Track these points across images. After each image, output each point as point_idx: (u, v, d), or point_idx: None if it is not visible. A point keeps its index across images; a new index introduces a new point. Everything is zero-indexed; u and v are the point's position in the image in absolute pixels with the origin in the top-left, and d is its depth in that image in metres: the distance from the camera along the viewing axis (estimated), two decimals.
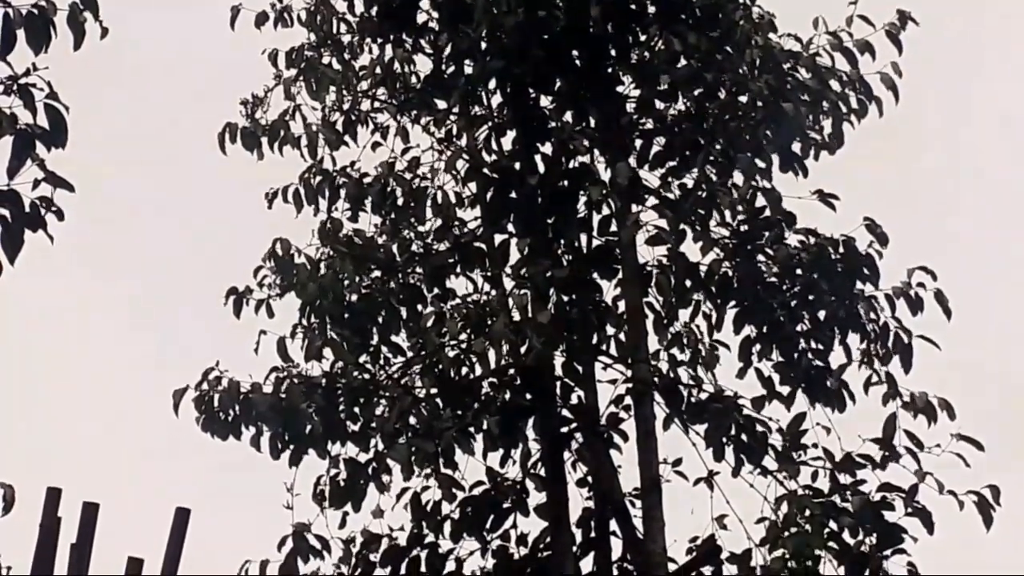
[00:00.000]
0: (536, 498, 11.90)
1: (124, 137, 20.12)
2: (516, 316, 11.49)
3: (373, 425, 11.65)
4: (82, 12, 8.25)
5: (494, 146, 12.26)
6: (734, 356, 11.86)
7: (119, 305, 20.98)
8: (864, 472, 11.26)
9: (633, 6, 12.09)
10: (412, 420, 11.56)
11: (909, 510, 10.95)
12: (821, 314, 11.61)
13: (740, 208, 11.69)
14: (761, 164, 11.70)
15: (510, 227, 12.06)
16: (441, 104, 12.40)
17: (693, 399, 11.77)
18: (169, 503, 8.25)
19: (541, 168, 12.01)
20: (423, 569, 11.83)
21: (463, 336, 11.62)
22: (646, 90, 12.09)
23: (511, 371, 11.75)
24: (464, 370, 11.72)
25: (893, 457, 11.21)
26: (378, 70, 12.62)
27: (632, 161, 11.92)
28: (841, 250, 11.55)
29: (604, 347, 12.00)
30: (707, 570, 11.57)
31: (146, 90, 21.02)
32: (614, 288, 12.00)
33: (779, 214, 11.55)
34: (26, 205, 8.09)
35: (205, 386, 11.58)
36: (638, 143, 12.10)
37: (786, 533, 11.03)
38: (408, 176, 12.42)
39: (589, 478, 11.93)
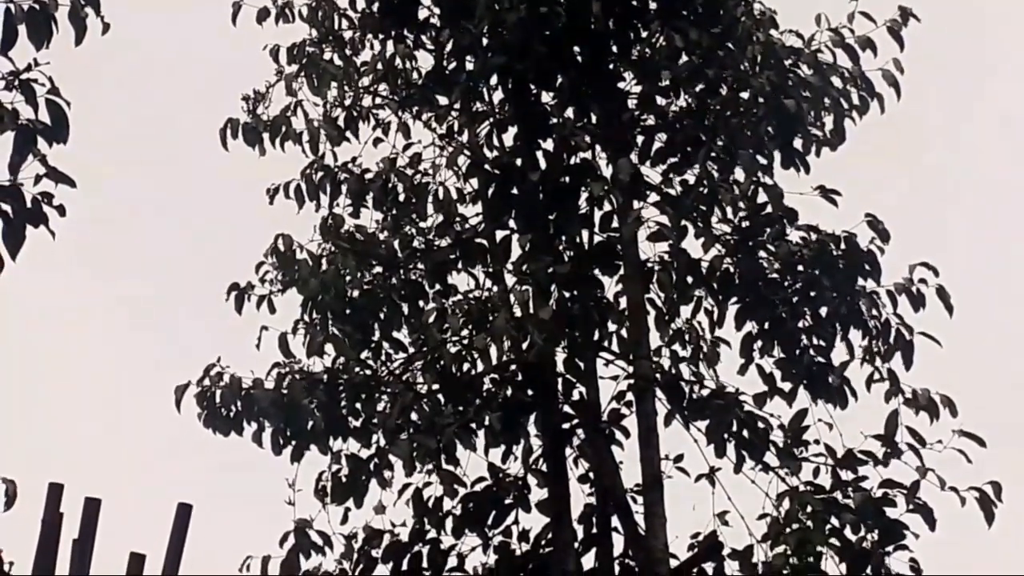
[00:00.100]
0: (538, 494, 11.92)
1: (124, 136, 20.15)
2: (518, 312, 11.50)
3: (375, 421, 11.65)
4: (83, 8, 8.24)
5: (495, 142, 12.27)
6: (735, 352, 11.87)
7: (121, 302, 21.00)
8: (866, 468, 11.26)
9: (634, 2, 12.09)
10: (414, 416, 11.56)
11: (911, 506, 10.95)
12: (823, 310, 11.61)
13: (741, 204, 11.69)
14: (762, 160, 11.70)
15: (511, 223, 12.06)
16: (442, 100, 12.40)
17: (695, 395, 11.76)
18: (171, 499, 8.27)
19: (542, 164, 12.02)
20: (425, 565, 11.85)
21: (465, 332, 11.62)
22: (647, 86, 12.09)
23: (513, 367, 11.76)
24: (466, 366, 11.71)
25: (895, 453, 11.20)
26: (379, 66, 12.63)
27: (633, 157, 11.92)
28: (843, 246, 11.55)
29: (606, 343, 12.00)
30: (709, 566, 11.58)
31: (146, 89, 21.04)
32: (615, 284, 12.01)
33: (780, 210, 11.55)
34: (28, 201, 8.08)
35: (207, 382, 11.58)
36: (639, 139, 12.10)
37: (788, 529, 11.03)
38: (410, 172, 12.43)
39: (591, 474, 11.94)
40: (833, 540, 10.99)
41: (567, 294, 11.73)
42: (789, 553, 10.95)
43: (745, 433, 11.51)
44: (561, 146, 11.95)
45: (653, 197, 11.91)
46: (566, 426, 11.88)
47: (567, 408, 11.91)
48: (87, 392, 20.48)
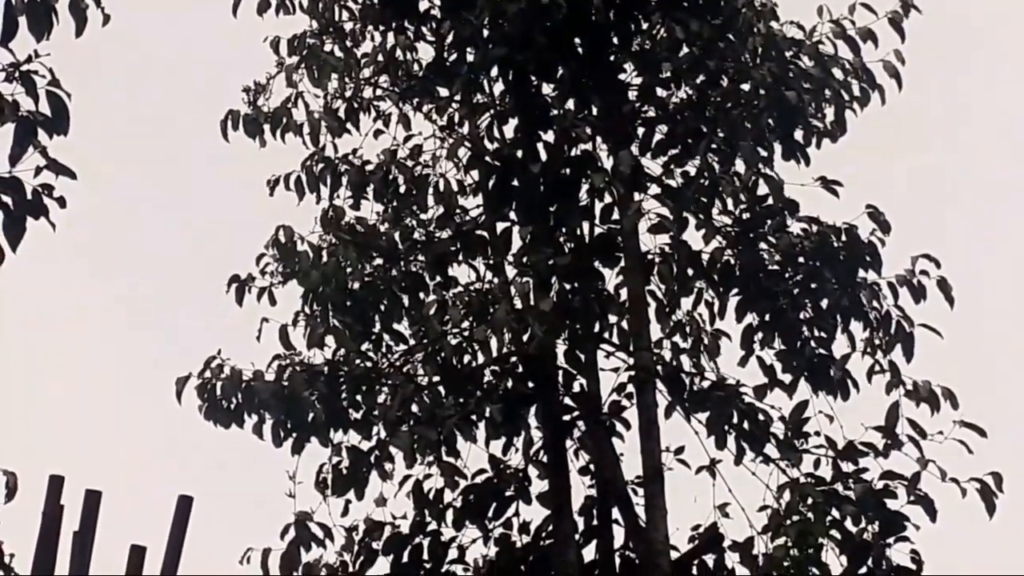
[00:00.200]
0: (538, 486, 11.92)
1: (123, 130, 20.14)
2: (518, 304, 11.49)
3: (375, 413, 11.65)
4: None
5: (496, 134, 12.26)
6: (736, 344, 11.88)
7: (120, 296, 21.00)
8: (866, 460, 11.28)
9: None
10: (414, 408, 11.56)
11: (911, 498, 10.96)
12: (823, 302, 11.61)
13: (742, 196, 11.69)
14: (763, 152, 11.69)
15: (512, 215, 12.06)
16: (443, 92, 12.39)
17: (695, 387, 11.77)
18: (172, 491, 8.26)
19: (543, 156, 12.01)
20: (425, 557, 11.85)
21: (465, 324, 11.61)
22: (648, 78, 12.07)
23: (513, 359, 11.76)
24: (466, 358, 11.71)
25: (895, 445, 11.21)
26: (380, 57, 12.61)
27: (634, 149, 11.91)
28: (843, 238, 11.56)
29: (606, 335, 12.00)
30: (709, 558, 11.59)
31: (146, 83, 21.01)
32: (616, 276, 12.01)
33: (781, 202, 11.54)
34: (28, 192, 8.07)
35: (208, 374, 11.59)
36: (640, 131, 12.09)
37: (788, 521, 11.03)
38: (410, 164, 12.42)
39: (591, 466, 11.94)
40: (834, 532, 11.00)
41: (568, 286, 11.73)
42: (790, 545, 10.95)
43: (746, 425, 11.52)
44: (562, 138, 11.94)
45: (654, 189, 11.91)
46: (567, 418, 11.88)
47: (568, 400, 11.91)
48: (88, 385, 20.49)
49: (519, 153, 12.03)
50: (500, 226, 12.11)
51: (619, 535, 11.77)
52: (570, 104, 12.04)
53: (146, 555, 8.02)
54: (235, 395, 11.58)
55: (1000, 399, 17.18)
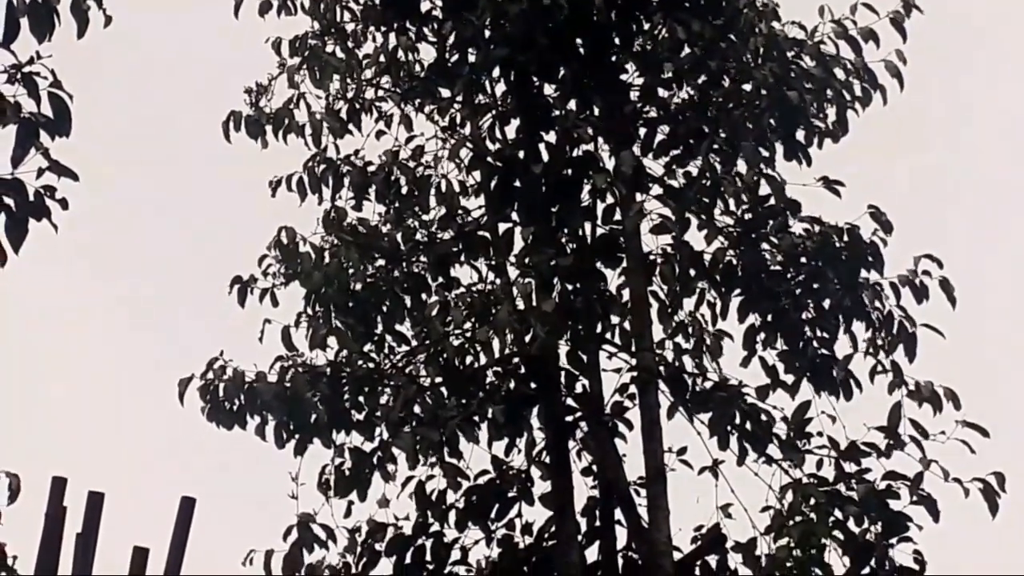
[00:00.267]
0: (541, 487, 11.92)
1: (125, 134, 20.13)
2: (520, 305, 11.49)
3: (378, 414, 11.64)
4: (85, 0, 8.23)
5: (498, 134, 12.26)
6: (738, 344, 11.87)
7: (122, 298, 21.00)
8: (869, 461, 11.27)
9: None
10: (417, 409, 11.56)
11: (914, 498, 10.95)
12: (826, 302, 11.61)
13: (744, 196, 11.69)
14: (765, 152, 11.69)
15: (514, 216, 12.07)
16: (445, 92, 12.39)
17: (698, 388, 11.77)
18: (174, 493, 8.26)
19: (545, 156, 12.01)
20: (428, 558, 11.84)
21: (467, 325, 11.61)
22: (650, 78, 12.07)
23: (516, 360, 11.76)
24: (469, 359, 11.71)
25: (898, 445, 11.20)
26: (382, 58, 12.61)
27: (636, 149, 11.91)
28: (846, 238, 11.55)
29: (608, 336, 12.00)
30: (712, 559, 11.58)
31: (148, 84, 21.02)
32: (618, 277, 12.00)
33: (783, 202, 11.55)
34: (30, 194, 8.07)
35: (210, 375, 11.58)
36: (642, 131, 12.09)
37: (791, 522, 11.03)
38: (412, 164, 12.42)
39: (594, 467, 11.93)
40: (837, 532, 10.99)
41: (570, 287, 11.72)
42: (792, 546, 10.95)
43: (748, 425, 11.52)
44: (564, 138, 11.94)
45: (656, 189, 11.91)
46: (569, 419, 11.88)
47: (570, 401, 11.91)
48: (90, 386, 20.49)
49: (521, 154, 12.03)
50: (502, 227, 12.12)
51: (622, 536, 11.77)
52: (572, 105, 12.04)
53: (149, 556, 8.01)
54: (237, 396, 11.57)
55: (1002, 399, 17.19)
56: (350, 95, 12.73)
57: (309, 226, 12.31)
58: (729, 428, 11.52)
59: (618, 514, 11.73)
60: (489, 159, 12.10)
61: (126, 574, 7.98)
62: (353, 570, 11.86)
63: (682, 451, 11.75)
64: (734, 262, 11.74)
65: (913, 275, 11.42)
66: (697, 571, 11.58)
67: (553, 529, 11.75)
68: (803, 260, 11.62)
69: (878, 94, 12.00)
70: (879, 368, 11.50)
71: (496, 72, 12.14)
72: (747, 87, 11.83)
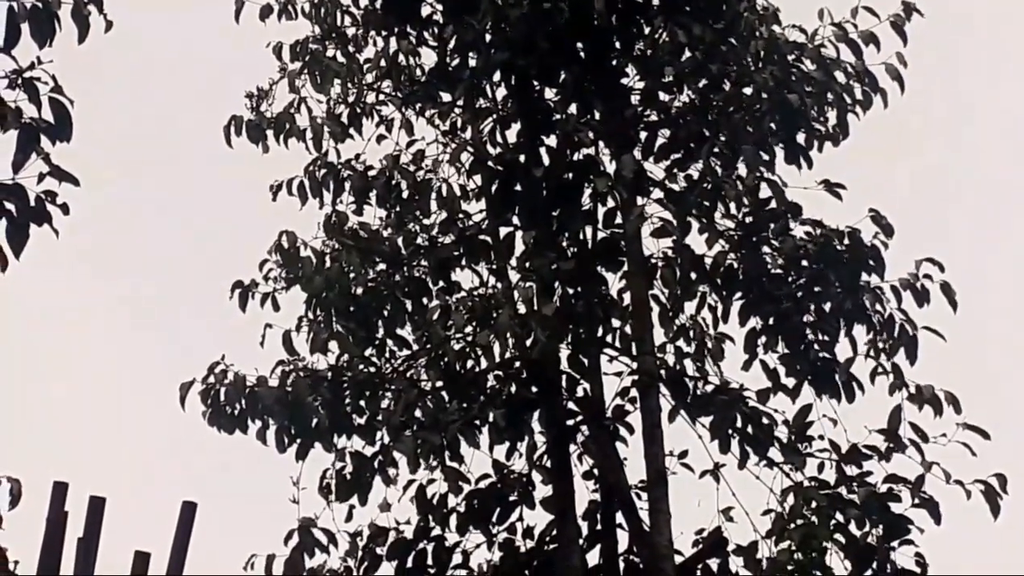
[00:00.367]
0: (542, 491, 11.92)
1: (126, 138, 20.15)
2: (521, 309, 11.49)
3: (379, 418, 11.64)
4: (86, 6, 8.24)
5: (499, 138, 12.27)
6: (740, 348, 11.87)
7: (123, 301, 21.01)
8: (870, 464, 11.26)
9: None
10: (418, 413, 11.56)
11: (916, 501, 10.95)
12: (827, 306, 11.61)
13: (745, 200, 11.69)
14: (765, 156, 11.69)
15: (515, 220, 12.07)
16: (446, 97, 12.41)
17: (699, 391, 11.76)
18: (175, 497, 8.26)
19: (546, 160, 12.02)
20: (429, 562, 11.84)
21: (468, 329, 11.61)
22: (650, 82, 12.08)
23: (517, 364, 11.76)
24: (470, 363, 11.71)
25: (898, 448, 11.20)
26: (383, 63, 12.63)
27: (637, 153, 11.92)
28: (847, 241, 11.55)
29: (609, 339, 12.01)
30: (713, 562, 11.58)
31: (149, 88, 21.05)
32: (619, 280, 12.01)
33: (784, 205, 11.55)
34: (31, 199, 8.08)
35: (211, 380, 11.58)
36: (643, 135, 12.10)
37: (792, 525, 11.03)
38: (413, 169, 12.43)
39: (595, 470, 11.93)
40: (838, 536, 10.99)
41: (571, 290, 11.73)
42: (794, 549, 10.95)
43: (749, 429, 11.52)
44: (564, 142, 11.95)
45: (656, 193, 11.91)
46: (570, 423, 11.88)
47: (571, 405, 11.91)
48: (91, 391, 20.51)
49: (522, 158, 12.03)
50: (503, 231, 12.13)
51: (623, 539, 11.77)
52: (572, 108, 12.05)
53: (150, 561, 8.02)
54: (239, 400, 11.57)
55: (1003, 401, 17.19)
56: (351, 99, 12.75)
57: (310, 230, 12.34)
58: (730, 431, 11.51)
59: (619, 518, 11.73)
60: (490, 163, 12.11)
61: None
62: (354, 574, 11.86)
63: (683, 454, 11.76)
64: (735, 265, 11.74)
65: (914, 278, 11.42)
66: (698, 574, 11.57)
67: (554, 533, 11.75)
68: (804, 263, 11.62)
69: (879, 97, 12.00)
70: (880, 370, 11.50)
71: (497, 76, 12.15)
72: (748, 91, 11.83)
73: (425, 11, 12.43)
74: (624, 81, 12.22)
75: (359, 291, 12.06)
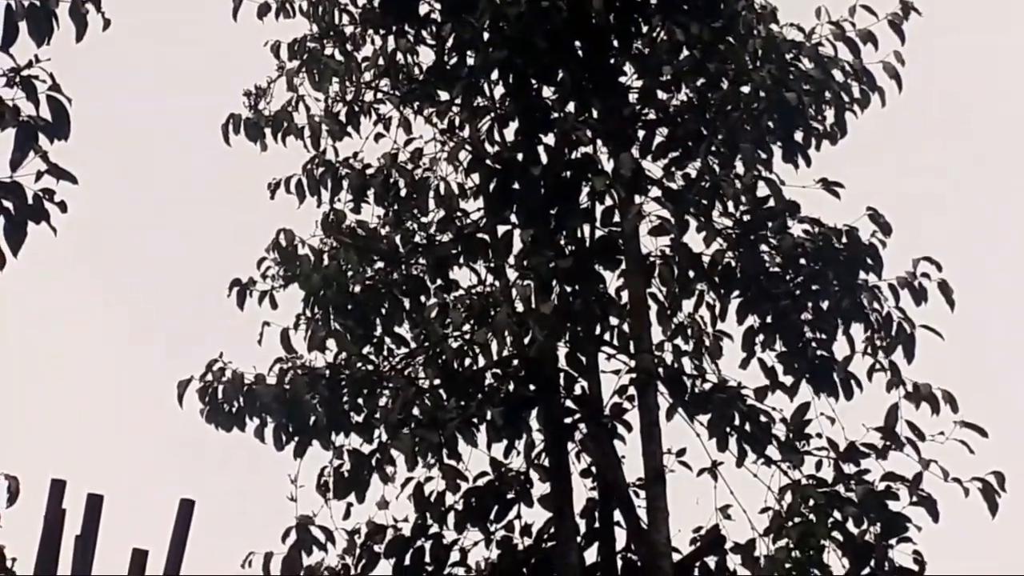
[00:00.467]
0: (540, 489, 11.93)
1: (123, 136, 20.14)
2: (519, 307, 11.50)
3: (377, 416, 11.65)
4: (84, 4, 8.24)
5: (497, 137, 12.26)
6: (737, 346, 11.88)
7: (121, 299, 21.01)
8: (868, 462, 11.27)
9: None
10: (416, 411, 11.57)
11: (914, 499, 10.96)
12: (824, 304, 11.62)
13: (743, 198, 11.70)
14: (763, 154, 11.69)
15: (513, 218, 12.06)
16: (444, 95, 12.40)
17: (697, 389, 11.77)
18: (173, 495, 8.27)
19: (544, 159, 12.02)
20: (427, 560, 11.85)
21: (466, 327, 11.62)
22: (648, 81, 12.08)
23: (514, 362, 11.76)
24: (467, 361, 11.72)
25: (896, 446, 11.21)
26: (381, 61, 12.62)
27: (635, 151, 11.92)
28: (844, 240, 11.56)
29: (607, 338, 12.01)
30: (711, 560, 11.59)
31: (146, 86, 21.02)
32: (617, 279, 12.01)
33: (782, 204, 11.55)
34: (29, 197, 8.08)
35: (209, 377, 11.59)
36: (641, 134, 12.10)
37: (790, 523, 11.03)
38: (411, 167, 12.43)
39: (593, 468, 11.94)
40: (836, 533, 10.99)
41: (569, 289, 11.73)
42: (792, 547, 10.95)
43: (747, 427, 11.53)
44: (562, 141, 11.95)
45: (654, 191, 11.91)
46: (568, 420, 11.88)
47: (569, 403, 11.91)
48: (89, 388, 20.50)
49: (520, 156, 12.03)
50: (501, 229, 12.12)
51: (621, 537, 11.78)
52: (570, 107, 12.05)
53: (148, 558, 8.02)
54: (237, 398, 11.58)
55: (1001, 399, 17.19)
56: (349, 98, 12.74)
57: (308, 228, 12.35)
58: (728, 429, 11.53)
59: (617, 515, 11.73)
60: (488, 161, 12.11)
61: None
62: (352, 572, 11.86)
63: (681, 452, 11.76)
64: (733, 264, 11.75)
65: (912, 277, 11.43)
66: (696, 572, 11.59)
67: (552, 531, 11.76)
68: (802, 262, 11.63)
69: (876, 96, 12.01)
70: (877, 367, 11.51)
71: (495, 75, 12.15)
72: (745, 89, 11.83)
73: (423, 9, 12.43)
74: (622, 80, 12.23)
75: (357, 289, 12.07)
